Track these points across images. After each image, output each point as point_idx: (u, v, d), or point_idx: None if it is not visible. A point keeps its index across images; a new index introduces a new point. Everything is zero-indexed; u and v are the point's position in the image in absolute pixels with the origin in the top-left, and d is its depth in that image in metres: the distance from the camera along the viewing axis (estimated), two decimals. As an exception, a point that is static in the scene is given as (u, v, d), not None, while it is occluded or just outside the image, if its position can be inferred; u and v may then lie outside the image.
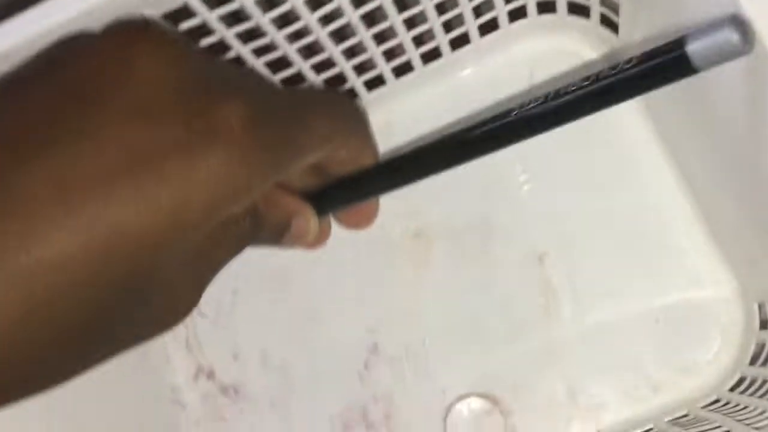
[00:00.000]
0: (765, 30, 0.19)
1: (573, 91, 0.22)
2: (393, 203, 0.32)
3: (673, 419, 0.31)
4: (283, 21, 0.27)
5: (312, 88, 0.31)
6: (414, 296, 0.33)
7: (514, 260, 0.33)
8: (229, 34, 0.26)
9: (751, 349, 0.30)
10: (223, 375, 0.35)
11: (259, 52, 0.28)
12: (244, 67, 0.28)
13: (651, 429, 0.31)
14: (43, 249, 0.18)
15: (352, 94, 0.33)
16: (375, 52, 0.30)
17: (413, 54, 0.32)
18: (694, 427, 0.30)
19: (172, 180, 0.20)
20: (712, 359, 0.31)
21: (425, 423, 0.33)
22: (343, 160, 0.28)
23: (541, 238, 0.33)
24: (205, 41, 0.26)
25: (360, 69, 0.31)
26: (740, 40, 0.18)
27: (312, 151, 0.26)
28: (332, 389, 0.34)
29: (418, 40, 0.31)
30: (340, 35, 0.29)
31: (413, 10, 0.29)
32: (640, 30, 0.29)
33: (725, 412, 0.29)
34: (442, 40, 0.32)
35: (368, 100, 0.33)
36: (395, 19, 0.29)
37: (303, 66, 0.30)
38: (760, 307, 0.30)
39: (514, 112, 0.23)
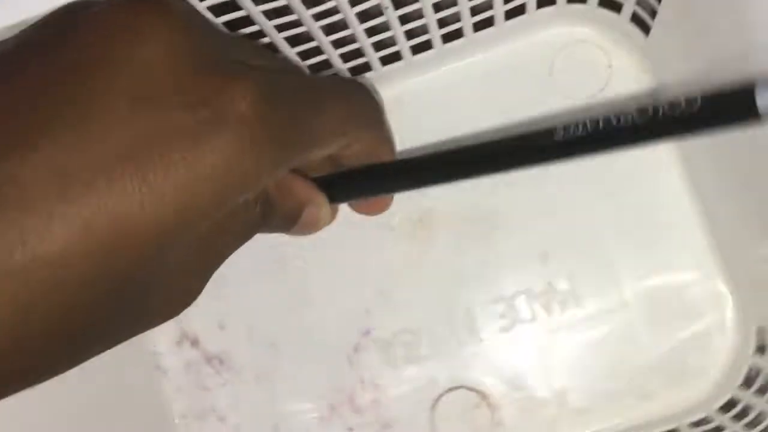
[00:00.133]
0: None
1: (628, 124, 0.21)
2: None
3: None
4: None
5: (330, 75, 0.30)
6: (411, 283, 0.33)
7: (516, 256, 0.32)
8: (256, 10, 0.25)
9: (744, 371, 0.30)
10: (208, 344, 0.34)
11: (282, 28, 0.27)
12: (256, 43, 0.27)
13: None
14: (41, 243, 0.17)
15: (365, 67, 0.31)
16: (398, 31, 0.29)
17: (435, 33, 0.30)
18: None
19: (179, 169, 0.18)
20: (703, 375, 0.31)
21: (413, 411, 0.33)
22: (359, 152, 0.27)
23: (546, 236, 0.32)
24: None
25: (378, 46, 0.30)
26: None
27: (327, 140, 0.24)
28: (320, 369, 0.33)
29: (442, 21, 0.30)
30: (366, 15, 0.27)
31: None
32: (674, 39, 0.28)
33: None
34: (467, 21, 0.30)
35: (381, 74, 0.32)
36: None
37: (323, 40, 0.28)
38: (758, 331, 0.30)
39: (561, 134, 0.22)
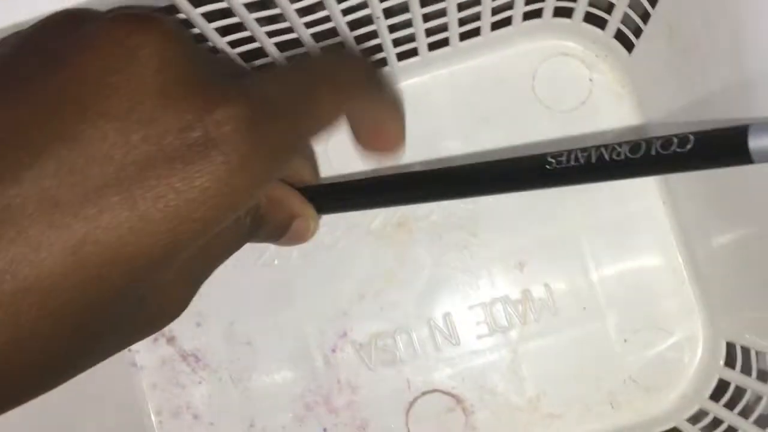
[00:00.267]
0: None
1: (620, 158, 0.21)
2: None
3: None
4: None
5: (324, 57, 0.29)
6: (389, 286, 0.33)
7: (493, 263, 0.33)
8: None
9: (713, 384, 0.31)
10: (184, 341, 0.34)
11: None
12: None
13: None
14: (30, 272, 0.17)
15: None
16: (386, 38, 0.29)
17: (422, 41, 0.31)
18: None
19: (168, 195, 0.18)
20: (674, 386, 0.32)
21: (387, 413, 0.33)
22: (363, 118, 0.27)
23: (523, 244, 0.33)
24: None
25: (366, 52, 0.30)
26: None
27: (323, 126, 0.24)
28: (296, 370, 0.33)
29: (429, 30, 0.30)
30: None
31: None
32: (658, 56, 0.28)
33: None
34: (454, 31, 0.31)
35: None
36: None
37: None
38: (729, 345, 0.31)
39: (553, 164, 0.22)
